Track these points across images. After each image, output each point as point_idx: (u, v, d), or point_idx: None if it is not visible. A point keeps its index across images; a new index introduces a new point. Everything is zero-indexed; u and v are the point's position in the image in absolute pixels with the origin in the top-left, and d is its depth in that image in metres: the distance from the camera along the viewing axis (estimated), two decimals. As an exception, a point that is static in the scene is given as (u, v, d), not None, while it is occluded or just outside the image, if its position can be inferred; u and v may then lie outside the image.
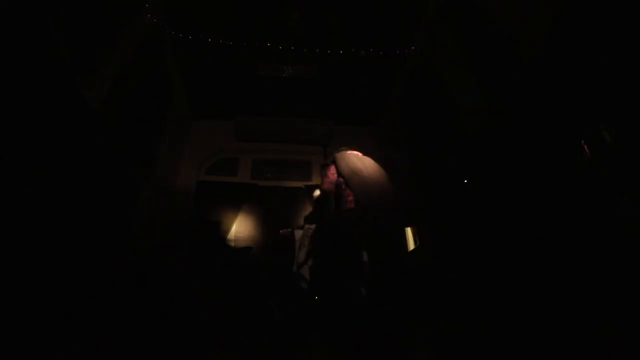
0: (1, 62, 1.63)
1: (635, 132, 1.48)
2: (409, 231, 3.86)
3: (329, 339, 2.36)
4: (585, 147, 1.68)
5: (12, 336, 1.60)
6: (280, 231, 4.20)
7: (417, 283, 2.95)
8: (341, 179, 2.79)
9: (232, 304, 3.26)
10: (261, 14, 3.55)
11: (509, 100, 2.37)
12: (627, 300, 1.44)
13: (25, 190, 1.79)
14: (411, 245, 3.82)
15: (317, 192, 3.99)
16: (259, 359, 2.09)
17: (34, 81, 1.85)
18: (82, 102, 2.28)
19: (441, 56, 3.38)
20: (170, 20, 3.56)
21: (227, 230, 4.72)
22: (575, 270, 1.72)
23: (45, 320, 1.85)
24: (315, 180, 5.08)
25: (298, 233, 3.86)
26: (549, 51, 1.96)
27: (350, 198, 2.67)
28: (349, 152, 2.94)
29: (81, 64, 2.22)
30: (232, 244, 4.62)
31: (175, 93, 4.33)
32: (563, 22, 1.86)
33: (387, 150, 4.70)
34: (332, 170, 2.88)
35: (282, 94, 4.65)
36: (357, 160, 2.77)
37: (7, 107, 1.66)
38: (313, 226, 3.53)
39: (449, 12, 3.23)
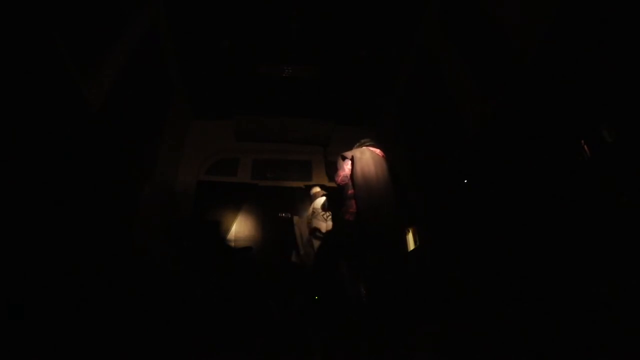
0: (1, 63, 1.63)
1: (635, 132, 1.48)
2: (409, 231, 3.86)
3: (329, 338, 2.36)
4: (585, 147, 1.68)
5: (11, 336, 1.60)
6: (279, 214, 4.25)
7: (417, 283, 2.95)
8: (350, 182, 2.77)
9: (232, 304, 3.26)
10: (261, 14, 3.55)
11: (509, 100, 2.37)
12: (627, 300, 1.43)
13: (24, 190, 1.79)
14: (411, 246, 3.82)
15: (315, 189, 4.02)
16: (259, 359, 2.09)
17: (34, 81, 1.85)
18: (82, 102, 2.28)
19: (441, 56, 3.38)
20: (170, 20, 3.56)
21: (227, 230, 4.72)
22: (575, 270, 1.72)
23: (44, 320, 1.85)
24: (316, 180, 5.08)
25: (298, 220, 3.94)
26: (549, 51, 1.96)
27: (351, 210, 2.67)
28: (369, 151, 2.91)
29: (81, 64, 2.22)
30: (232, 244, 4.63)
31: (175, 93, 4.33)
32: (563, 22, 1.86)
33: (386, 150, 4.70)
34: (349, 166, 2.86)
35: (282, 94, 4.65)
36: (373, 167, 2.74)
37: (6, 107, 1.66)
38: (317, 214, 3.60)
39: (449, 12, 3.23)
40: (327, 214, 3.61)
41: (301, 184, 5.17)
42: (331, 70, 4.27)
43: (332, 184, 4.68)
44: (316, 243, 3.56)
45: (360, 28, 3.72)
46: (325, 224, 3.56)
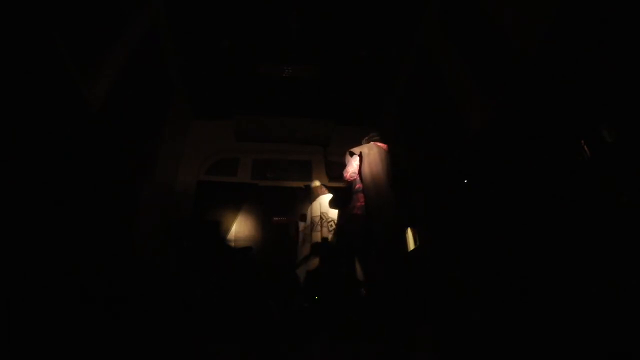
0: (1, 63, 1.63)
1: (635, 132, 1.48)
2: (409, 231, 3.86)
3: (329, 338, 2.35)
4: (585, 147, 1.68)
5: (11, 337, 1.60)
6: (274, 218, 4.20)
7: (417, 283, 2.95)
8: (358, 177, 2.78)
9: (232, 304, 3.26)
10: (261, 14, 3.55)
11: (509, 100, 2.37)
12: (627, 300, 1.43)
13: (24, 190, 1.79)
14: (411, 246, 3.81)
15: (316, 183, 3.99)
16: (258, 359, 2.09)
17: (34, 81, 1.84)
18: (82, 102, 2.28)
19: (441, 56, 3.38)
20: (170, 20, 3.56)
21: (227, 230, 4.72)
22: (575, 270, 1.72)
23: (43, 321, 1.85)
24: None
25: (304, 226, 3.85)
26: (549, 51, 1.96)
27: (359, 204, 2.68)
28: (376, 146, 2.91)
29: (81, 64, 2.22)
30: (232, 244, 4.62)
31: (175, 93, 4.33)
32: (563, 22, 1.86)
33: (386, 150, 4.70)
34: (357, 162, 2.86)
35: (282, 94, 4.65)
36: (380, 164, 2.76)
37: (5, 108, 1.66)
38: (316, 217, 3.56)
39: (449, 12, 3.23)
40: (323, 219, 3.51)
41: (301, 184, 5.17)
42: (331, 70, 4.27)
43: (332, 184, 4.70)
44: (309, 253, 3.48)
45: (360, 28, 3.72)
46: (320, 233, 3.48)
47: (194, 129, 5.12)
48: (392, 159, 2.93)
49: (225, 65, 4.16)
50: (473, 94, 2.84)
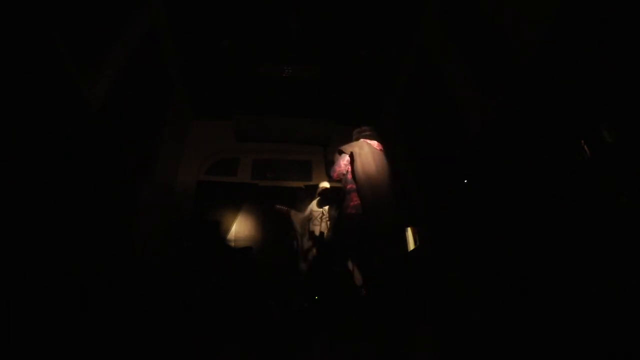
0: (1, 63, 1.63)
1: (635, 132, 1.48)
2: (409, 231, 3.86)
3: (329, 338, 2.36)
4: (585, 147, 1.68)
5: (11, 337, 1.60)
6: (277, 206, 4.20)
7: (417, 283, 2.96)
8: (350, 177, 2.74)
9: (232, 304, 3.26)
10: (261, 14, 3.55)
11: (509, 100, 2.37)
12: (627, 300, 1.43)
13: (24, 190, 1.79)
14: (411, 245, 3.82)
15: (324, 184, 4.02)
16: (258, 359, 2.09)
17: (34, 81, 1.84)
18: (82, 102, 2.28)
19: (441, 56, 3.38)
20: (170, 20, 3.56)
21: (227, 230, 4.72)
22: (575, 270, 1.72)
23: (44, 321, 1.85)
24: (315, 180, 5.08)
25: (294, 214, 3.94)
26: (549, 51, 1.96)
27: (352, 204, 2.65)
28: (367, 144, 2.84)
29: (81, 64, 2.22)
30: (232, 244, 4.63)
31: (175, 93, 4.33)
32: (563, 22, 1.86)
33: (386, 150, 4.70)
34: (347, 162, 2.79)
35: (282, 94, 4.65)
36: (372, 162, 2.70)
37: (6, 108, 1.66)
38: (317, 211, 3.61)
39: (449, 12, 3.23)
40: (324, 214, 3.60)
41: (301, 184, 5.17)
42: (331, 70, 4.27)
43: (332, 184, 4.69)
44: (310, 246, 3.56)
45: (360, 28, 3.72)
46: (319, 227, 3.56)
47: (194, 129, 5.12)
48: (391, 158, 2.91)
49: (225, 65, 4.16)
50: (473, 94, 2.84)
